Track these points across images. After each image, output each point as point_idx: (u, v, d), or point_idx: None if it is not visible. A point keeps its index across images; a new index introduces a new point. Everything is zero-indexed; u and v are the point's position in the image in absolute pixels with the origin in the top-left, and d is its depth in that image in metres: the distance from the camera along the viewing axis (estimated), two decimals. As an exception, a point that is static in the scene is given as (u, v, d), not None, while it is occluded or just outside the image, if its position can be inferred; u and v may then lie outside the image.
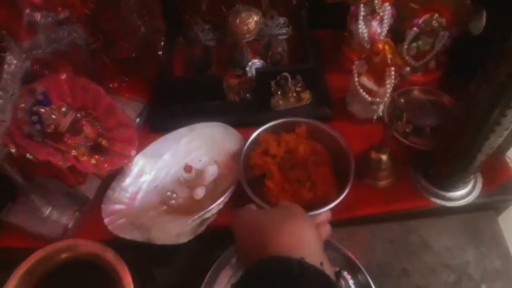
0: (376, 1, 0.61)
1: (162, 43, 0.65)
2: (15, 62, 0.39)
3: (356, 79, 0.59)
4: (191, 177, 0.58)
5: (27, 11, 0.41)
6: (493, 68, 0.42)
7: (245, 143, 0.58)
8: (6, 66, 0.38)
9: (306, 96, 0.63)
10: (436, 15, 0.60)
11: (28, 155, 0.41)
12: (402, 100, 0.61)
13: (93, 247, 0.46)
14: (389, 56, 0.56)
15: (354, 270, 0.51)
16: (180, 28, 0.67)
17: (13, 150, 0.40)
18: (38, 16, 0.42)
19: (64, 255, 0.46)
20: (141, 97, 0.67)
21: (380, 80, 0.58)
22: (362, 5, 0.62)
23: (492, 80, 0.42)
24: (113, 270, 0.44)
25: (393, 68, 0.56)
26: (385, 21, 0.61)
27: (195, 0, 0.63)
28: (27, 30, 0.43)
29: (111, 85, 0.65)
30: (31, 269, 0.45)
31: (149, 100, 0.67)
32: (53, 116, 0.45)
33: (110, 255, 0.44)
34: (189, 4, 0.64)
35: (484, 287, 0.52)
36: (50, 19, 0.43)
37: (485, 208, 0.57)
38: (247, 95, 0.65)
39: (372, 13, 0.62)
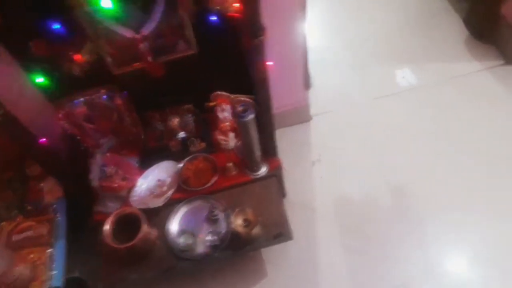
0: (224, 106, 1.60)
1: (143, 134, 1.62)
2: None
3: (219, 136, 1.58)
4: (160, 183, 1.54)
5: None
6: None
7: (180, 167, 1.55)
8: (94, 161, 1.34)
9: (202, 145, 1.61)
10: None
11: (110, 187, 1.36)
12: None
13: (132, 210, 1.40)
14: (229, 128, 1.56)
15: (224, 208, 1.48)
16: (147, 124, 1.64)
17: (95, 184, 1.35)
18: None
19: (122, 215, 1.40)
20: (134, 155, 1.63)
21: (227, 136, 1.57)
22: (219, 107, 1.60)
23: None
24: (138, 219, 1.37)
25: (231, 133, 1.56)
26: (228, 113, 1.60)
27: (152, 118, 1.60)
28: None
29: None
30: (114, 221, 1.38)
31: (138, 155, 1.63)
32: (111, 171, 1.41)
33: (137, 211, 1.38)
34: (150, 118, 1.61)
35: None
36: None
37: (270, 177, 1.57)
38: (179, 148, 1.62)
39: (222, 110, 1.61)
